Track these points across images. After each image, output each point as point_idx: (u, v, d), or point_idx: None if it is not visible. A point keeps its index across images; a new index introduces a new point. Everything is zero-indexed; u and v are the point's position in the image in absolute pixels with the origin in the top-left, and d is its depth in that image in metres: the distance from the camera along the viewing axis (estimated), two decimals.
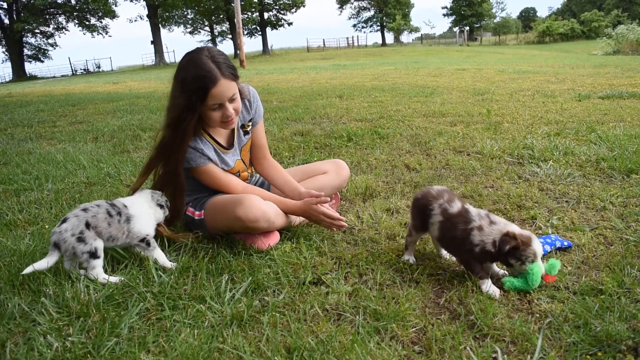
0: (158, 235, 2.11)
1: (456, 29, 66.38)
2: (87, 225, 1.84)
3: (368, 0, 61.91)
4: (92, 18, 41.97)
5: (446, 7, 66.54)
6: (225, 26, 49.04)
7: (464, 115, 5.27)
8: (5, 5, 36.35)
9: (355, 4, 63.17)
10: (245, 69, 20.48)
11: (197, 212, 2.24)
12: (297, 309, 1.63)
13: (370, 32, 63.67)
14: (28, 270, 1.74)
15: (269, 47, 48.76)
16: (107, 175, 3.50)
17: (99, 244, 1.84)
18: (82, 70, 44.19)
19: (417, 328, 1.51)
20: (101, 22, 42.49)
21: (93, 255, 1.81)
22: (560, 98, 6.33)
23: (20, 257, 2.04)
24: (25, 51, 41.90)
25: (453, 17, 66.72)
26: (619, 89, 6.82)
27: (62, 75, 40.48)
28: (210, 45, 2.10)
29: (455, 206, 1.82)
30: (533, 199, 2.58)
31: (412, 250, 2.00)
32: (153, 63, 43.56)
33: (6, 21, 37.93)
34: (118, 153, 4.36)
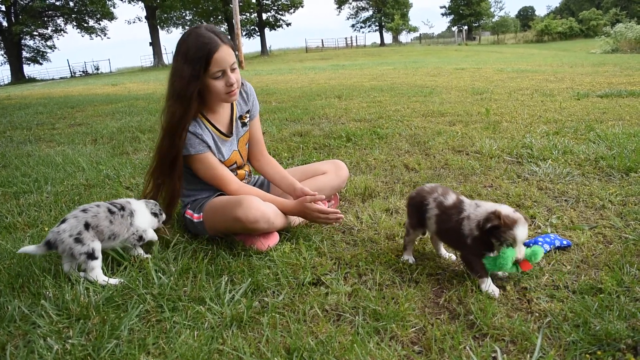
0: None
1: (455, 29, 66.52)
2: (87, 226, 1.85)
3: (366, 0, 61.96)
4: (90, 20, 41.98)
5: (444, 7, 66.74)
6: (224, 27, 48.96)
7: (463, 115, 5.28)
8: (3, 7, 36.33)
9: (354, 4, 63.24)
10: (244, 70, 20.48)
11: (195, 215, 2.24)
12: (296, 309, 1.63)
13: (369, 32, 63.82)
14: (21, 250, 1.83)
15: (268, 48, 48.79)
16: (107, 177, 3.50)
17: (97, 245, 1.85)
18: (81, 72, 44.21)
19: (417, 328, 1.51)
20: (99, 24, 42.52)
21: (90, 256, 1.82)
22: (559, 97, 6.34)
23: (19, 259, 2.04)
24: (24, 53, 41.91)
25: (451, 17, 66.83)
26: (618, 88, 6.82)
27: (61, 78, 40.49)
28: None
29: (450, 198, 1.83)
30: (532, 198, 2.58)
31: (410, 250, 2.00)
32: (152, 64, 43.54)
33: (4, 24, 37.94)
34: (117, 155, 4.36)
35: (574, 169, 3.05)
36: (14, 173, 3.76)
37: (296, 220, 2.35)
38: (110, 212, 1.95)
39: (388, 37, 64.23)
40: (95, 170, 3.72)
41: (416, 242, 2.13)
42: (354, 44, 55.73)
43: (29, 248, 1.84)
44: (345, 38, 56.72)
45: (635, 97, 5.96)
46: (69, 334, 1.51)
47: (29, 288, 1.80)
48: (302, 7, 48.87)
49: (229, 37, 2.14)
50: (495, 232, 1.66)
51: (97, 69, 45.84)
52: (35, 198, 3.05)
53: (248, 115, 2.41)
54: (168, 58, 44.51)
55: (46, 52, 43.67)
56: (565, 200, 2.56)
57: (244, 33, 47.36)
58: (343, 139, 4.36)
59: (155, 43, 43.05)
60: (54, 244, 1.80)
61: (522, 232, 1.65)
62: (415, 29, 63.50)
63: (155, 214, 2.13)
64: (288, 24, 50.00)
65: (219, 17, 46.33)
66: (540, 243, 1.96)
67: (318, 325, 1.53)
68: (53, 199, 2.99)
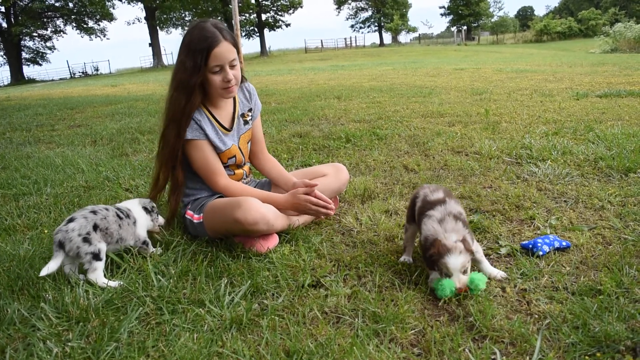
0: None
1: (454, 29, 66.53)
2: (95, 227, 1.87)
3: (366, 1, 61.98)
4: (90, 21, 41.99)
5: (444, 7, 66.81)
6: None
7: (462, 115, 5.28)
8: (3, 9, 36.32)
9: (353, 4, 63.28)
10: (243, 71, 20.46)
11: (196, 216, 2.24)
12: (296, 312, 1.63)
13: (368, 32, 63.99)
14: (43, 272, 1.73)
15: (267, 49, 48.78)
16: (106, 178, 3.50)
17: (103, 247, 1.87)
18: (81, 73, 44.20)
19: (416, 330, 1.51)
20: (99, 25, 42.51)
21: (96, 256, 1.83)
22: (558, 97, 6.34)
23: (19, 262, 2.04)
24: (24, 54, 41.90)
25: (451, 17, 66.85)
26: (617, 88, 6.83)
27: (61, 79, 40.47)
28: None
29: (436, 195, 1.85)
30: (531, 199, 2.58)
31: (410, 251, 2.00)
32: (151, 65, 43.54)
33: (4, 25, 37.93)
34: (117, 156, 4.36)
35: (573, 169, 3.06)
36: (13, 175, 3.76)
37: (296, 221, 2.35)
38: (119, 216, 2.00)
39: (387, 38, 64.32)
40: (94, 172, 3.72)
41: (416, 244, 2.13)
42: (354, 44, 55.75)
43: (51, 266, 1.76)
44: (345, 38, 56.80)
45: (634, 97, 5.97)
46: (69, 336, 1.51)
47: (29, 291, 1.80)
48: (301, 7, 48.88)
49: (233, 34, 2.18)
50: (432, 259, 1.66)
51: (97, 69, 45.84)
52: (35, 200, 3.05)
53: (250, 113, 2.46)
54: (167, 59, 44.57)
55: (46, 53, 43.69)
56: (565, 201, 2.56)
57: (243, 34, 47.34)
58: (342, 140, 4.36)
59: (154, 44, 43.06)
60: (64, 243, 1.80)
61: (454, 262, 1.61)
62: (414, 29, 63.56)
63: (147, 210, 2.16)
64: (287, 25, 50.00)
65: (219, 18, 46.25)
66: (539, 244, 1.96)
67: (317, 328, 1.53)
68: (52, 201, 2.99)
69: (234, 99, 2.41)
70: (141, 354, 1.43)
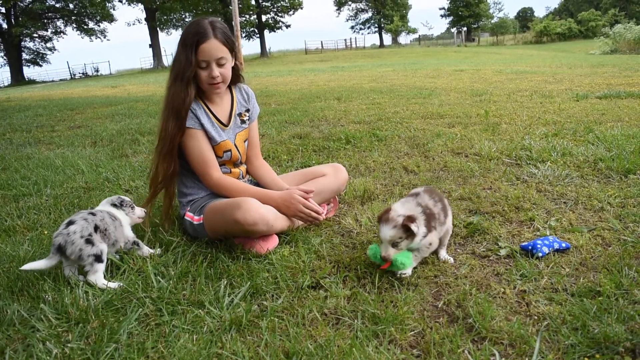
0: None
1: (454, 30, 66.57)
2: (96, 228, 1.88)
3: (366, 2, 62.04)
4: (90, 22, 42.04)
5: (444, 8, 66.89)
6: None
7: (462, 117, 5.28)
8: (3, 9, 36.37)
9: (353, 5, 63.34)
10: (243, 72, 20.47)
11: (196, 217, 2.24)
12: (295, 313, 1.64)
13: (368, 33, 64.23)
14: (26, 267, 1.77)
15: (267, 50, 48.80)
16: (106, 180, 3.50)
17: (104, 248, 1.88)
18: (81, 74, 44.23)
19: (416, 332, 1.51)
20: (99, 26, 42.58)
21: (98, 258, 1.83)
22: (558, 98, 6.35)
23: (19, 263, 2.04)
24: (24, 55, 41.94)
25: (451, 18, 66.95)
26: (617, 89, 6.83)
27: (61, 80, 40.51)
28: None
29: (415, 191, 1.98)
30: (531, 201, 2.59)
31: None
32: (151, 66, 43.56)
33: (4, 25, 37.97)
34: (117, 157, 4.36)
35: (573, 170, 3.06)
36: (13, 176, 3.76)
37: (297, 222, 2.36)
38: (112, 219, 2.01)
39: (387, 39, 64.39)
40: (94, 173, 3.72)
41: None
42: (354, 45, 55.77)
43: (38, 265, 1.78)
44: (345, 40, 56.79)
45: (634, 98, 5.97)
46: (68, 337, 1.51)
47: (28, 292, 1.80)
48: (301, 9, 48.92)
49: (229, 34, 2.21)
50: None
51: (97, 70, 45.88)
52: (35, 201, 3.05)
53: (247, 114, 2.50)
54: (168, 60, 44.51)
55: (46, 54, 43.75)
56: (564, 202, 2.56)
57: (243, 35, 47.36)
58: (342, 141, 4.37)
59: (154, 45, 43.07)
60: (64, 247, 1.79)
61: (384, 232, 1.77)
62: (414, 31, 63.62)
63: (117, 206, 2.13)
64: (287, 26, 50.04)
65: (219, 19, 46.31)
66: (539, 246, 1.96)
67: (317, 329, 1.53)
68: (52, 202, 2.99)
69: (232, 97, 2.44)
70: (140, 355, 1.43)
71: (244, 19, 45.17)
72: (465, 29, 62.81)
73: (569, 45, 40.56)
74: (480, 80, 9.73)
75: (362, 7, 63.09)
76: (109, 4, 40.52)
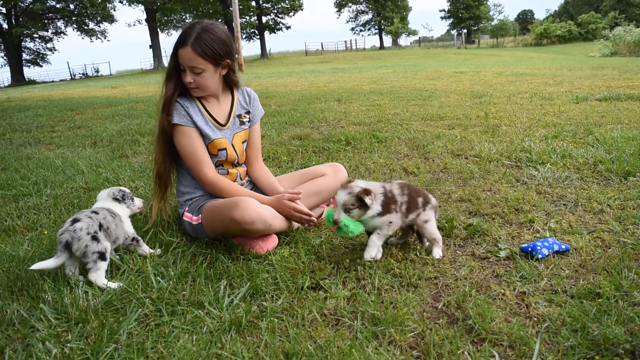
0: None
1: (454, 32, 66.65)
2: (100, 226, 1.90)
3: (366, 4, 62.10)
4: (90, 22, 42.07)
5: (444, 10, 66.92)
6: None
7: (462, 119, 5.29)
8: (4, 10, 36.40)
9: (354, 7, 63.36)
10: (243, 73, 20.51)
11: (194, 218, 2.25)
12: (295, 314, 1.64)
13: (369, 35, 64.36)
14: (35, 266, 1.76)
15: (267, 51, 48.85)
16: (106, 180, 3.50)
17: (108, 246, 1.89)
18: (81, 75, 44.26)
19: (415, 333, 1.51)
20: (100, 27, 42.61)
21: (102, 256, 1.84)
22: (558, 100, 6.36)
23: (19, 263, 2.04)
24: (24, 56, 41.99)
25: (451, 20, 67.02)
26: (617, 91, 6.84)
27: (61, 80, 40.54)
28: (218, 25, 2.34)
29: (394, 182, 2.11)
30: (531, 202, 2.59)
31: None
32: (152, 67, 43.56)
33: (5, 26, 37.99)
34: (117, 158, 4.36)
35: (573, 173, 3.06)
36: (13, 176, 3.76)
37: (295, 224, 2.36)
38: (112, 216, 2.02)
39: (388, 41, 64.47)
40: (94, 173, 3.72)
41: (417, 248, 2.14)
42: (354, 47, 55.85)
43: (47, 264, 1.78)
44: (345, 41, 56.88)
45: (634, 100, 5.98)
46: (68, 337, 1.51)
47: (28, 291, 1.80)
48: (301, 10, 48.99)
49: (214, 46, 2.18)
50: None
51: (97, 71, 45.90)
52: (35, 201, 3.05)
53: (247, 116, 2.50)
54: (168, 61, 44.53)
55: (46, 55, 43.78)
56: (564, 204, 2.56)
57: (243, 36, 47.42)
58: (342, 142, 4.37)
59: (155, 46, 43.08)
60: (71, 243, 1.80)
61: (339, 195, 1.95)
62: (414, 33, 63.65)
63: (119, 200, 2.14)
64: (288, 27, 50.10)
65: (219, 20, 46.33)
66: (539, 248, 1.96)
67: (317, 330, 1.53)
68: (52, 202, 2.99)
69: (233, 98, 2.45)
70: (140, 355, 1.43)
71: (245, 20, 45.24)
72: (465, 31, 62.92)
73: (569, 48, 40.60)
74: (480, 82, 9.74)
75: (363, 8, 63.14)
76: (110, 5, 40.57)
